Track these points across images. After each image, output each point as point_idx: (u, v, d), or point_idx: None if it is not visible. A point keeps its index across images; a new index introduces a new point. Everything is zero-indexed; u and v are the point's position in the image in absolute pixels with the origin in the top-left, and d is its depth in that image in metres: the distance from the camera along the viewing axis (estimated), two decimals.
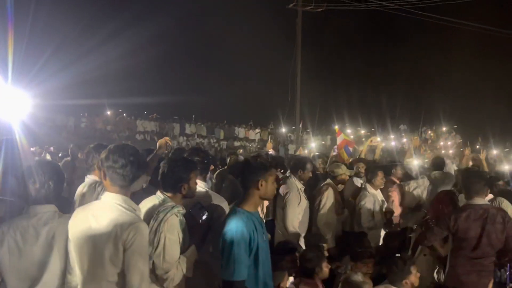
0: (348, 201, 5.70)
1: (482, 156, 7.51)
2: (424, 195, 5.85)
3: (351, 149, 9.56)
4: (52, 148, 13.83)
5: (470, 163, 7.63)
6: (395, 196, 5.83)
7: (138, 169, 2.42)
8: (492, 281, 3.53)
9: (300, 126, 19.93)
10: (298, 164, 5.10)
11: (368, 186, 5.40)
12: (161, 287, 2.61)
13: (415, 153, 9.83)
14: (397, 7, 19.02)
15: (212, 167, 5.32)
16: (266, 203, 4.77)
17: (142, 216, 2.56)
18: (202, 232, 2.81)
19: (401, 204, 5.83)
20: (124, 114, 25.92)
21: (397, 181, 6.12)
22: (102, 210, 2.35)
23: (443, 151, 14.34)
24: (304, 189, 5.05)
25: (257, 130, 29.10)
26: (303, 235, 4.91)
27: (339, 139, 9.77)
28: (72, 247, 2.36)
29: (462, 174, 4.35)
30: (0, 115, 4.06)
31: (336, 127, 10.60)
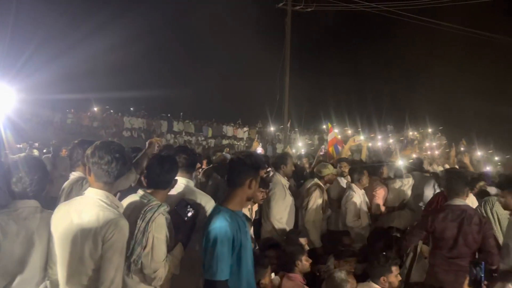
0: (333, 200, 5.76)
1: (466, 157, 7.63)
2: (409, 194, 5.94)
3: (340, 148, 9.63)
4: (37, 144, 13.68)
5: (456, 164, 7.75)
6: (381, 195, 5.89)
7: (124, 166, 2.44)
8: (467, 279, 3.59)
9: (288, 125, 19.99)
10: (279, 161, 5.29)
11: (354, 186, 5.46)
12: (148, 286, 2.61)
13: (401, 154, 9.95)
14: (385, 8, 19.21)
15: (199, 165, 5.35)
16: (255, 207, 4.79)
17: (125, 213, 2.55)
18: (187, 230, 2.80)
19: (385, 204, 5.90)
20: (111, 111, 25.70)
21: (383, 181, 6.19)
22: (84, 206, 2.36)
23: (428, 152, 14.53)
24: (290, 186, 5.11)
25: (245, 129, 29.12)
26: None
27: (330, 136, 9.81)
28: (55, 242, 2.37)
29: (444, 175, 4.42)
30: None
31: (329, 123, 10.58)
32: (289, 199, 5.03)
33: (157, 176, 2.76)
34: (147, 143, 3.60)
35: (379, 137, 24.44)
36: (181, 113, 27.78)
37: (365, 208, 5.40)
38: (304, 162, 7.00)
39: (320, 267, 4.29)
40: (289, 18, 18.46)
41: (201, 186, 5.46)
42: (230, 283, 2.43)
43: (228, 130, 28.64)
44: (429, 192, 5.67)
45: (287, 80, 18.72)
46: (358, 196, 5.38)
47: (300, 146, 16.17)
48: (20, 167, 2.41)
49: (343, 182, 6.06)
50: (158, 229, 2.57)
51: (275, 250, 3.98)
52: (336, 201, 5.74)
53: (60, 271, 2.36)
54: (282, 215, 4.91)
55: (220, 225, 2.43)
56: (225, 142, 25.77)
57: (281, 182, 5.03)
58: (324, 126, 26.65)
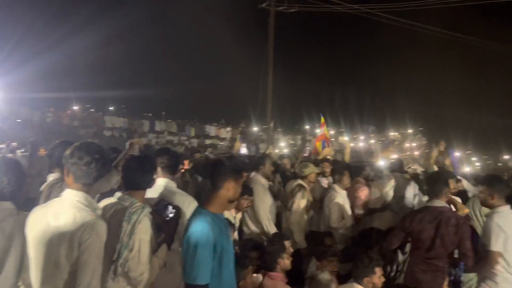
0: (314, 201, 5.77)
1: (447, 159, 7.74)
2: (391, 195, 5.97)
3: (326, 145, 9.68)
4: (15, 144, 13.38)
5: (435, 165, 7.87)
6: (363, 196, 5.91)
7: (103, 167, 2.42)
8: (447, 280, 3.64)
9: (271, 125, 20.02)
10: (257, 161, 5.34)
11: (336, 186, 5.48)
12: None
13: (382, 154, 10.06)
14: (367, 10, 19.41)
15: (181, 166, 5.31)
16: (239, 215, 4.78)
17: (104, 216, 2.51)
18: (171, 230, 2.77)
19: (367, 204, 5.92)
20: (92, 110, 25.32)
21: (365, 182, 6.21)
22: (61, 207, 2.32)
23: (408, 153, 14.76)
24: (270, 186, 5.13)
25: (228, 129, 29.05)
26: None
27: (320, 131, 9.83)
28: (30, 244, 2.32)
29: (424, 176, 4.49)
30: None
31: (323, 117, 10.41)
32: (269, 199, 5.04)
33: (139, 176, 2.71)
34: (127, 144, 3.55)
35: (361, 137, 24.74)
36: (164, 113, 27.58)
37: (348, 208, 5.42)
38: (286, 163, 7.02)
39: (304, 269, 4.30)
40: (272, 18, 18.49)
41: (183, 187, 5.42)
42: (211, 287, 2.40)
43: (211, 130, 28.53)
44: (410, 193, 5.73)
45: (270, 80, 18.75)
46: (340, 197, 5.39)
47: (282, 146, 16.21)
48: None
49: (324, 182, 6.08)
50: (144, 231, 2.53)
51: (256, 250, 3.97)
52: (317, 202, 5.75)
53: (35, 275, 2.31)
54: (263, 214, 4.90)
55: (201, 228, 2.40)
56: (208, 142, 25.65)
57: (260, 182, 5.03)
58: (308, 126, 26.80)
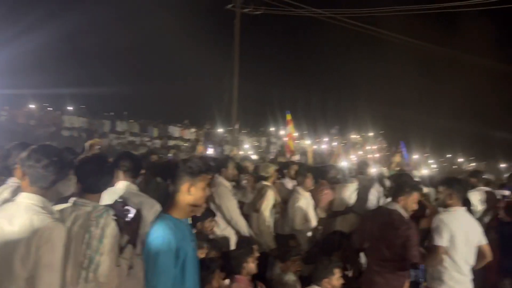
0: (278, 203, 5.79)
1: (398, 156, 8.00)
2: (354, 198, 6.08)
3: (293, 143, 9.81)
4: None
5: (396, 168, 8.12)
6: (327, 198, 5.99)
7: (61, 171, 2.34)
8: (408, 281, 3.72)
9: (237, 127, 20.00)
10: (219, 164, 5.28)
11: (300, 189, 5.51)
12: None
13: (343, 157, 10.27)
14: (331, 15, 19.82)
15: (143, 170, 5.18)
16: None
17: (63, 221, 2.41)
18: (133, 231, 2.70)
19: (331, 206, 6.01)
20: (50, 108, 24.34)
21: (329, 184, 6.29)
22: (16, 212, 2.23)
23: (368, 156, 15.17)
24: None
25: (193, 130, 28.72)
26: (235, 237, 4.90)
27: (287, 130, 9.94)
28: None
29: (389, 179, 4.60)
30: None
31: (289, 114, 10.30)
32: (234, 201, 5.02)
33: (98, 179, 2.60)
34: (86, 145, 3.44)
35: (324, 140, 25.16)
36: (125, 112, 26.89)
37: (312, 211, 5.47)
38: (248, 165, 7.00)
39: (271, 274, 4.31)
40: (237, 19, 18.52)
41: (144, 190, 5.29)
42: None
43: (175, 130, 28.11)
44: (373, 195, 5.86)
45: (236, 82, 18.77)
46: (304, 199, 5.43)
47: (247, 148, 16.22)
48: None
49: (289, 184, 6.12)
50: (114, 234, 2.48)
51: (222, 254, 3.95)
52: (282, 204, 5.77)
53: None
54: (234, 211, 4.87)
55: (162, 235, 2.31)
56: (171, 143, 25.27)
57: (223, 183, 4.99)
58: (273, 128, 26.96)
